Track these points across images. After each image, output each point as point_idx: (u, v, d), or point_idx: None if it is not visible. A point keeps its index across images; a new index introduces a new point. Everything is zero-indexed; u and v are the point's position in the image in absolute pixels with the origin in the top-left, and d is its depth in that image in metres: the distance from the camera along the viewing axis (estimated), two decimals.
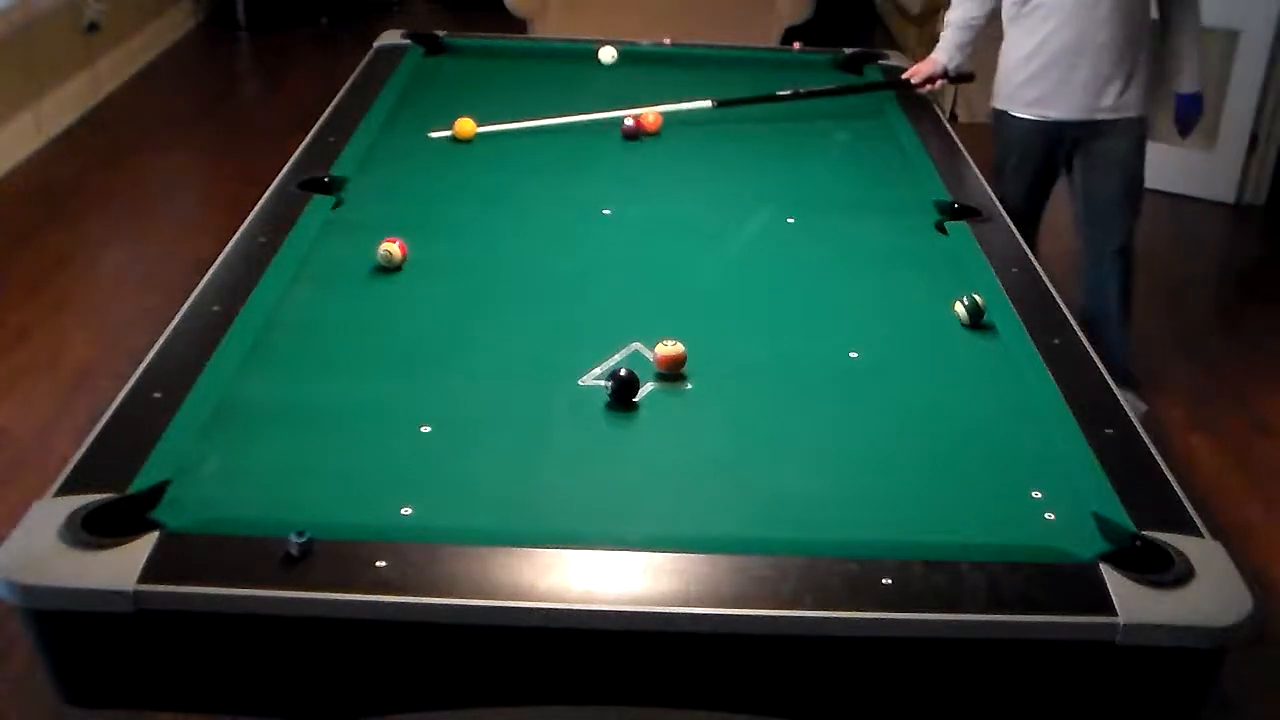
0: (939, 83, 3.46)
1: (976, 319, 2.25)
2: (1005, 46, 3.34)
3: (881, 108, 3.45)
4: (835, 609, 1.53)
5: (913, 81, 3.44)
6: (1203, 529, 1.70)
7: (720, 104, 3.20)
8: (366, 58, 3.64)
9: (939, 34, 3.52)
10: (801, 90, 3.27)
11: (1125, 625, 1.51)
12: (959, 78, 3.50)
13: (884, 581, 1.56)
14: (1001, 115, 3.41)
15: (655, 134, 3.15)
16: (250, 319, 2.15)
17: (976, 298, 2.26)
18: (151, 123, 5.44)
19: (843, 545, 1.63)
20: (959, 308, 2.26)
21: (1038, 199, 3.47)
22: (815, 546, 1.63)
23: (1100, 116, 3.26)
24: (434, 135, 3.07)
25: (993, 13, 3.38)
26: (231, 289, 2.24)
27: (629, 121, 3.13)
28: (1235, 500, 2.65)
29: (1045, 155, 3.37)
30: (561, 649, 1.56)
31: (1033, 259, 2.52)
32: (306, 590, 1.51)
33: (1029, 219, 3.40)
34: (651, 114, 3.15)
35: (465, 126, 3.07)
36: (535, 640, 1.55)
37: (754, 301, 2.37)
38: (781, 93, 3.26)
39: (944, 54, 3.45)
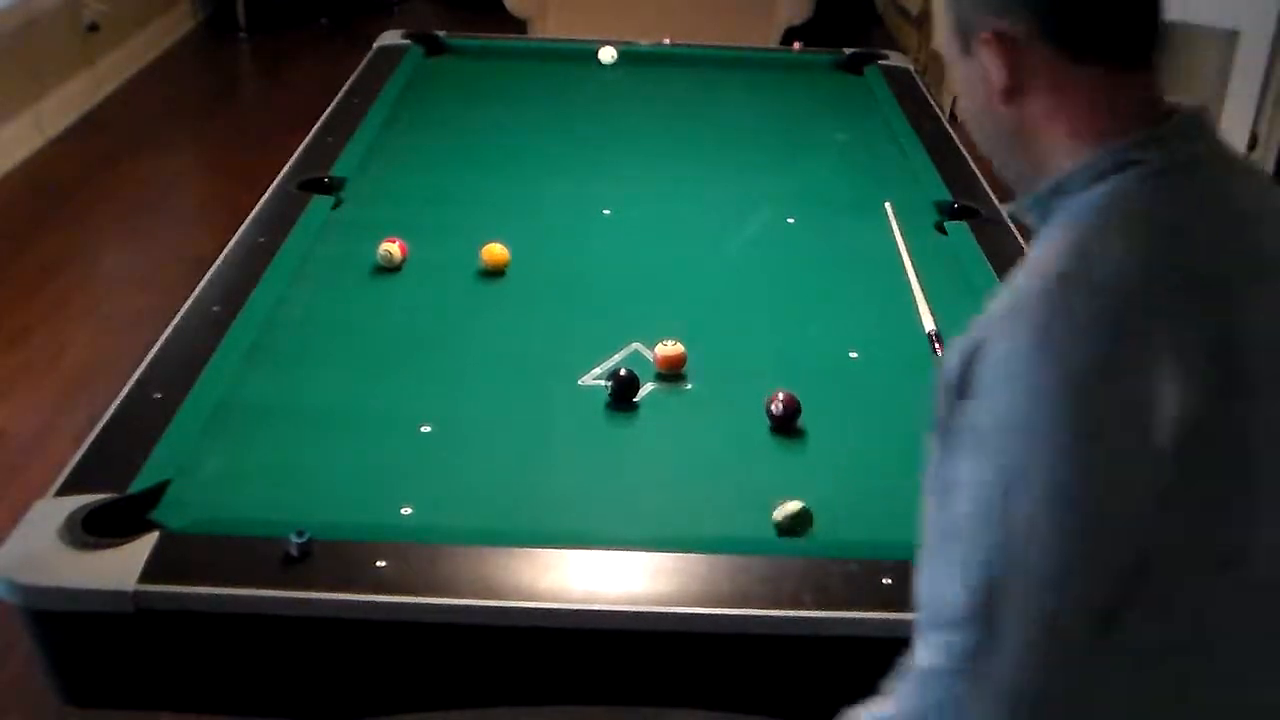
0: None
1: (793, 530, 1.71)
2: None
3: (882, 108, 3.44)
4: (835, 609, 1.53)
5: None
6: None
7: None
8: (366, 58, 3.64)
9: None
10: None
11: None
12: None
13: (884, 581, 1.56)
14: None
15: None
16: (250, 319, 2.15)
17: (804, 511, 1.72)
18: (151, 123, 5.44)
19: (843, 545, 1.63)
20: (791, 506, 1.71)
21: None
22: (815, 546, 1.63)
23: None
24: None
25: None
26: (231, 289, 2.24)
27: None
28: None
29: None
30: (561, 649, 1.56)
31: None
32: (306, 590, 1.51)
33: None
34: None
35: (494, 253, 2.42)
36: (535, 640, 1.55)
37: (754, 301, 2.37)
38: None
39: None
